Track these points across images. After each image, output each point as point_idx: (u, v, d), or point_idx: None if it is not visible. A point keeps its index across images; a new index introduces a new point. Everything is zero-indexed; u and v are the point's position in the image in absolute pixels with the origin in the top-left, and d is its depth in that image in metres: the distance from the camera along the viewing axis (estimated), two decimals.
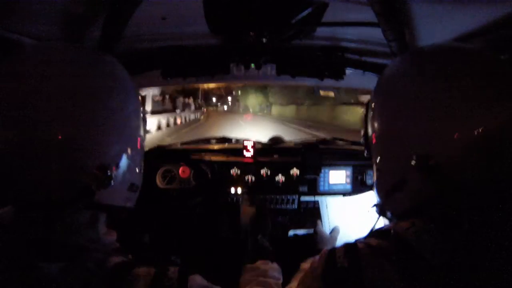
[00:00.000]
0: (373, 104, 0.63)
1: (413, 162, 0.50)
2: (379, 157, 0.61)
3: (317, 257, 0.59)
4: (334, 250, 0.56)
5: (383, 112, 0.60)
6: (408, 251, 0.49)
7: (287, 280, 0.77)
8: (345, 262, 0.52)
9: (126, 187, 0.61)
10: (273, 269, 0.82)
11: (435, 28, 0.83)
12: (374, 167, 0.64)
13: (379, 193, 0.62)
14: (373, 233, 0.58)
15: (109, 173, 0.54)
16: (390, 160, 0.58)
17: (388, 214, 0.62)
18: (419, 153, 0.50)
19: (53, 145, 0.49)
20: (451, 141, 0.47)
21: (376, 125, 0.61)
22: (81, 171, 0.52)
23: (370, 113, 0.64)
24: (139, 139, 0.64)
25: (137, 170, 0.64)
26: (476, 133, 0.45)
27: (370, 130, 0.64)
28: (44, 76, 0.51)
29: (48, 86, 0.51)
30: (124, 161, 0.58)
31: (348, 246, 0.55)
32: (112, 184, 0.54)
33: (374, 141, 0.62)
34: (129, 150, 0.59)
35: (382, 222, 0.99)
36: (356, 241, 0.56)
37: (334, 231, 1.02)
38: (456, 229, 0.48)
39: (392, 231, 0.54)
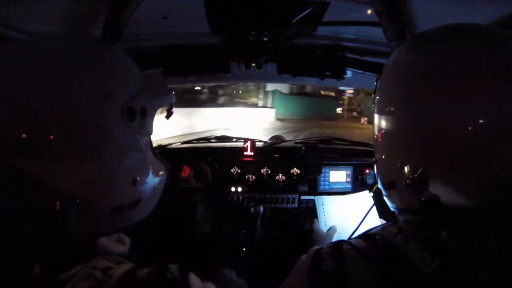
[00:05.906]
0: (375, 100, 0.62)
1: (404, 169, 0.49)
2: (376, 154, 0.61)
3: (304, 256, 0.58)
4: (320, 250, 0.55)
5: (382, 111, 0.59)
6: (395, 256, 0.48)
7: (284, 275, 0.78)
8: (331, 264, 0.51)
9: (106, 214, 0.49)
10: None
11: None
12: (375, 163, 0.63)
13: (381, 185, 0.61)
14: (362, 236, 0.57)
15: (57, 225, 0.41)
16: (385, 160, 0.58)
17: (390, 205, 0.61)
18: (410, 160, 0.49)
19: None
20: (444, 148, 0.45)
21: (376, 120, 0.60)
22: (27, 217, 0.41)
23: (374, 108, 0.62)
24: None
25: (126, 188, 0.53)
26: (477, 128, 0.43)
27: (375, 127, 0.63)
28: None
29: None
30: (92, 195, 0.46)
31: (334, 247, 0.54)
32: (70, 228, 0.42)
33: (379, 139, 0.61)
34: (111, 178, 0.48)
35: (379, 221, 1.00)
36: (343, 241, 0.55)
37: (331, 229, 1.02)
38: (444, 234, 0.47)
39: (378, 236, 0.53)
